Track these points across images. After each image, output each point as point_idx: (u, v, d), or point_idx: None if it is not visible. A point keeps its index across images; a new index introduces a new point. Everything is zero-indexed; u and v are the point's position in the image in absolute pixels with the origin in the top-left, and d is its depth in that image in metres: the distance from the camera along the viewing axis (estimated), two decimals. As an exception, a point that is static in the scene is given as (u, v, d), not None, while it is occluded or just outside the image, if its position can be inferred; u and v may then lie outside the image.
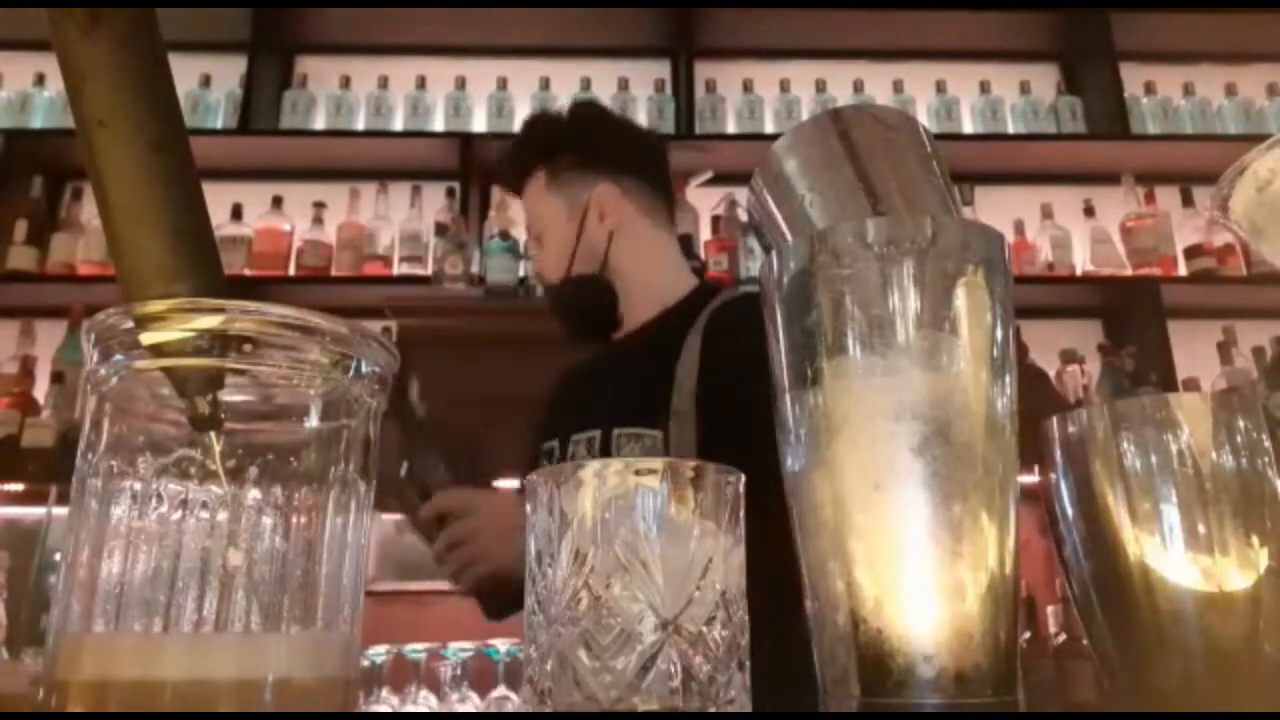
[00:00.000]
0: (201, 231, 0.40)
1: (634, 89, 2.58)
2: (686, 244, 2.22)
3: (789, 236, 0.49)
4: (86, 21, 0.37)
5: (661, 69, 2.64)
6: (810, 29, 2.62)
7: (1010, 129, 2.56)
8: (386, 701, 1.63)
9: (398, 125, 2.52)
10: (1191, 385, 2.22)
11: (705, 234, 2.32)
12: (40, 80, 2.52)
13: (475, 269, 2.25)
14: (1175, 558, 0.43)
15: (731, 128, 2.54)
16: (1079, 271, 2.41)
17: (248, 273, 2.30)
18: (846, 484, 0.40)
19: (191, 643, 0.34)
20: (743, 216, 2.28)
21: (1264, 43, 2.61)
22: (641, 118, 2.53)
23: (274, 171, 2.49)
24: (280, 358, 0.36)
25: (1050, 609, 1.85)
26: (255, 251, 2.33)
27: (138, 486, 0.35)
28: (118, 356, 0.36)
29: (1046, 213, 2.45)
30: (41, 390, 2.18)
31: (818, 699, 0.40)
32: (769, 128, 2.53)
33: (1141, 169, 2.46)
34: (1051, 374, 2.22)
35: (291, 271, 2.34)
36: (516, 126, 2.50)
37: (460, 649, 1.67)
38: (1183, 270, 2.37)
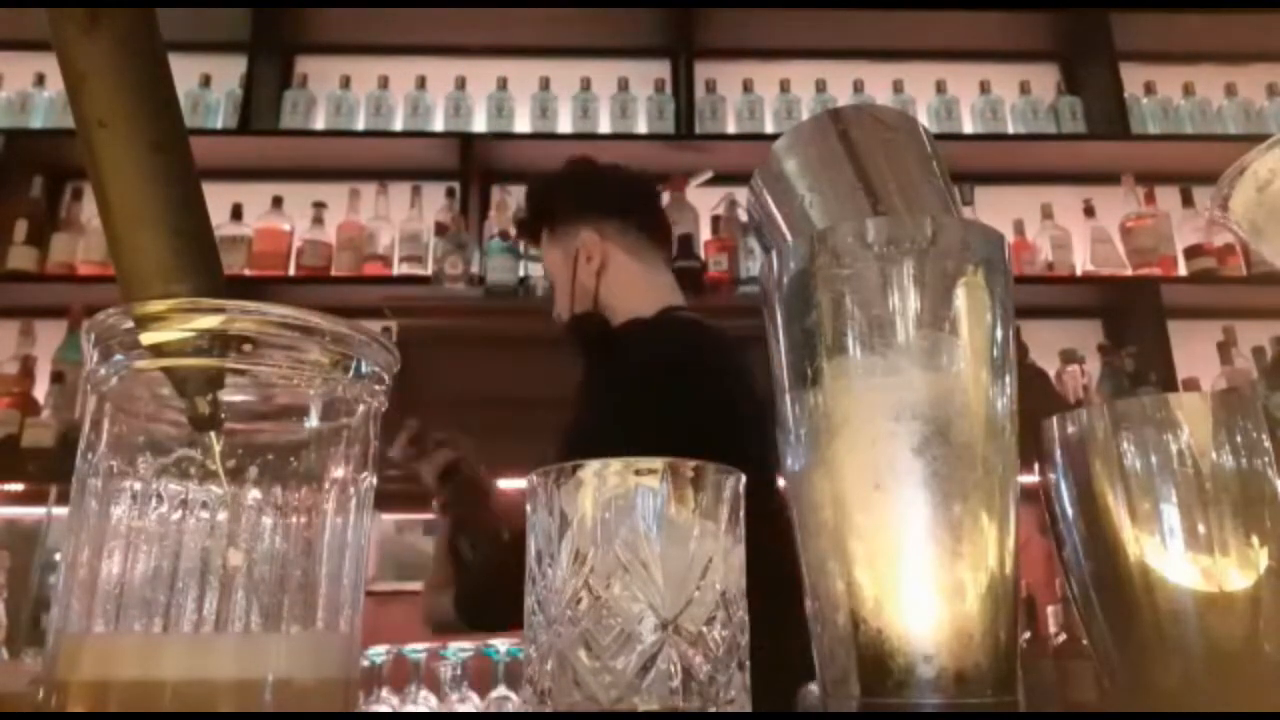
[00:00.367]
0: (201, 231, 0.40)
1: (634, 89, 2.58)
2: (686, 244, 2.22)
3: (789, 236, 0.49)
4: (86, 21, 0.37)
5: (661, 69, 2.64)
6: (810, 29, 2.62)
7: (1010, 129, 2.56)
8: (386, 701, 1.63)
9: (398, 125, 2.52)
10: (1191, 385, 2.22)
11: (705, 234, 2.32)
12: (40, 80, 2.52)
13: (475, 269, 2.25)
14: (1175, 558, 0.43)
15: (731, 128, 2.54)
16: (1079, 271, 2.41)
17: (248, 273, 2.30)
18: (846, 484, 0.40)
19: (191, 643, 0.34)
20: (743, 216, 2.28)
21: (1264, 43, 2.61)
22: (641, 118, 2.54)
23: (274, 171, 2.48)
24: (280, 358, 0.36)
25: (1050, 609, 1.85)
26: (255, 251, 2.32)
27: (138, 486, 0.35)
28: (118, 356, 0.36)
29: (1046, 213, 2.45)
30: (41, 390, 2.18)
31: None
32: (769, 128, 2.53)
33: (1141, 169, 2.46)
34: (1051, 374, 2.21)
35: (291, 271, 2.34)
36: (517, 126, 2.53)
37: (460, 649, 1.67)
38: (1183, 270, 2.37)
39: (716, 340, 1.33)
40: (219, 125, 2.49)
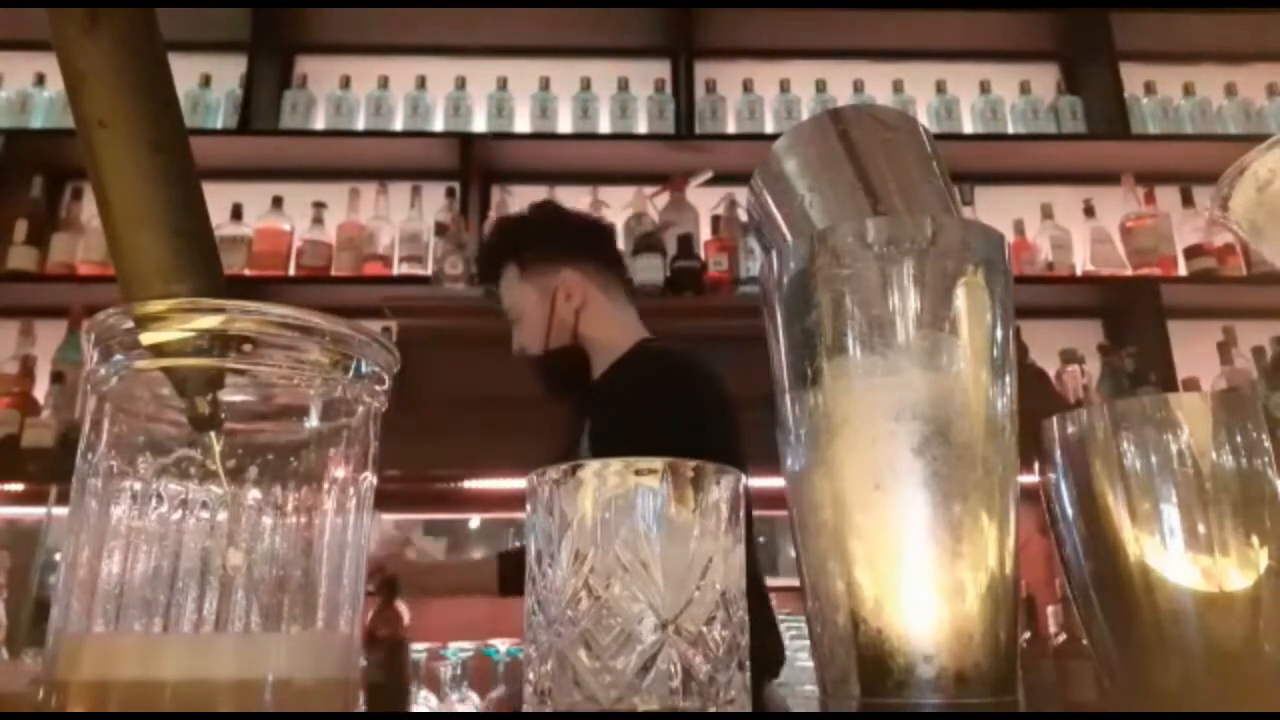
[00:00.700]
0: (201, 231, 0.40)
1: (634, 89, 2.58)
2: (686, 244, 2.22)
3: (789, 236, 0.49)
4: (86, 21, 0.37)
5: (661, 69, 2.64)
6: (810, 29, 2.62)
7: (1010, 129, 2.56)
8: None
9: (398, 125, 2.52)
10: (1191, 385, 2.22)
11: (705, 234, 2.32)
12: (40, 80, 2.52)
13: (475, 269, 2.25)
14: (1175, 558, 0.43)
15: (731, 128, 2.54)
16: (1079, 271, 2.41)
17: (248, 273, 2.30)
18: (846, 484, 0.40)
19: (191, 643, 0.34)
20: (743, 216, 2.28)
21: (1264, 43, 2.61)
22: (641, 118, 2.54)
23: (274, 171, 2.48)
24: (280, 358, 0.36)
25: (1050, 609, 1.85)
26: (255, 251, 2.32)
27: (138, 486, 0.35)
28: (118, 356, 0.36)
29: (1046, 213, 2.45)
30: (41, 390, 2.18)
31: None
32: (769, 128, 2.53)
33: (1141, 169, 2.46)
34: (1051, 374, 2.21)
35: (291, 271, 2.34)
36: (517, 126, 2.53)
37: (460, 649, 1.67)
38: (1183, 270, 2.37)
39: (702, 364, 1.44)
40: (219, 125, 2.49)
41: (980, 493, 0.39)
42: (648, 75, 2.62)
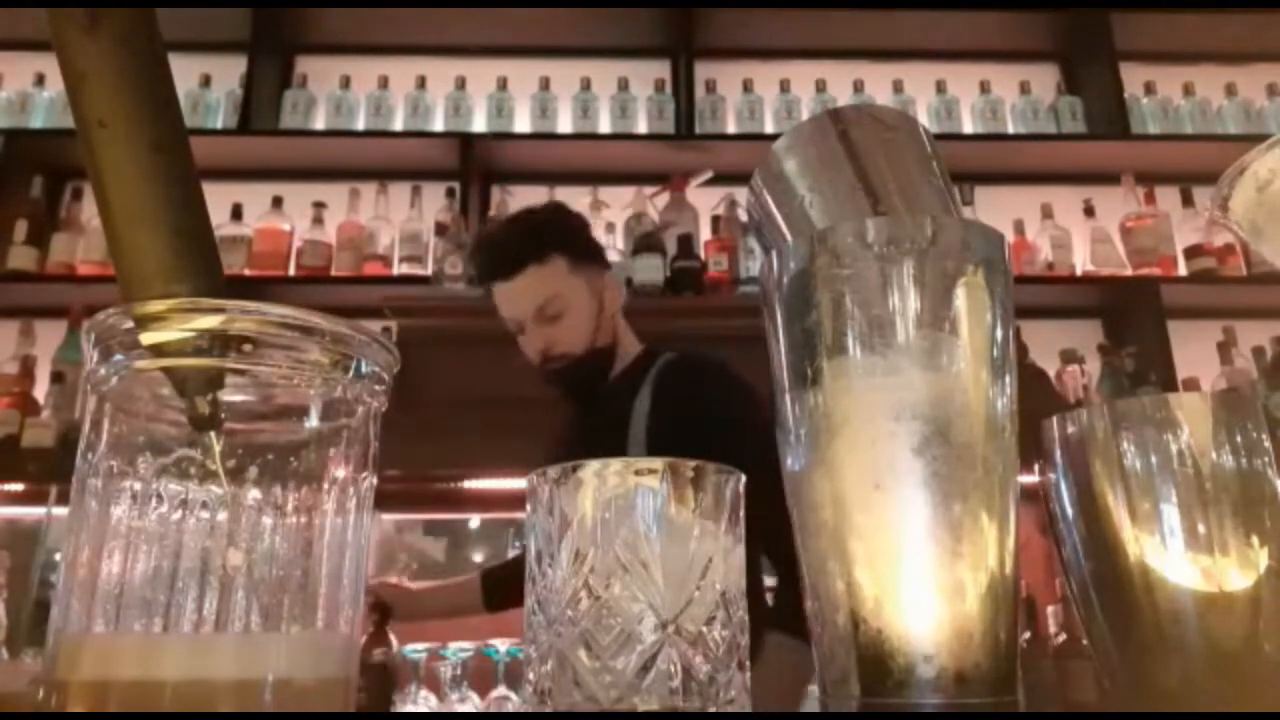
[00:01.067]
0: (201, 231, 0.40)
1: (634, 89, 2.58)
2: (686, 244, 2.22)
3: (789, 236, 0.49)
4: (86, 21, 0.37)
5: (661, 69, 2.64)
6: (810, 29, 2.62)
7: (1010, 129, 2.56)
8: (386, 701, 1.62)
9: (398, 125, 2.52)
10: (1191, 385, 2.22)
11: (705, 234, 2.32)
12: (40, 80, 2.52)
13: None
14: (1175, 558, 0.43)
15: (731, 128, 2.54)
16: (1079, 271, 2.41)
17: (248, 273, 2.30)
18: (846, 484, 0.40)
19: (191, 643, 0.34)
20: (743, 216, 2.28)
21: (1264, 43, 2.61)
22: (641, 118, 2.54)
23: (274, 171, 2.48)
24: (280, 358, 0.36)
25: (1050, 609, 1.85)
26: (255, 251, 2.32)
27: (138, 486, 0.35)
28: (118, 356, 0.36)
29: (1046, 213, 2.45)
30: (41, 390, 2.18)
31: None
32: (769, 128, 2.53)
33: (1141, 169, 2.46)
34: (1051, 374, 2.21)
35: (291, 271, 2.34)
36: (517, 126, 2.53)
37: (460, 649, 1.67)
38: (1183, 270, 2.37)
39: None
40: (219, 125, 2.49)
41: (980, 493, 0.39)
42: (648, 75, 2.62)
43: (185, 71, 2.44)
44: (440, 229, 2.33)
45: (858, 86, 2.57)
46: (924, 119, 2.39)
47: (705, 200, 2.36)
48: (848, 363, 0.40)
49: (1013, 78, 2.62)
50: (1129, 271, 2.38)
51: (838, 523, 0.40)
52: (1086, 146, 2.52)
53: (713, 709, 0.37)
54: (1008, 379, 0.41)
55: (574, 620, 0.37)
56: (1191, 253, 2.37)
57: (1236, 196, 0.40)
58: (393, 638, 1.57)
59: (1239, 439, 0.44)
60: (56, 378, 2.15)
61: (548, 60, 2.62)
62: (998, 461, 0.40)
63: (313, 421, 0.38)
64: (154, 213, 0.38)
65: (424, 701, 1.62)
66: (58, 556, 1.99)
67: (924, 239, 0.40)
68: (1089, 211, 2.44)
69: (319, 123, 2.54)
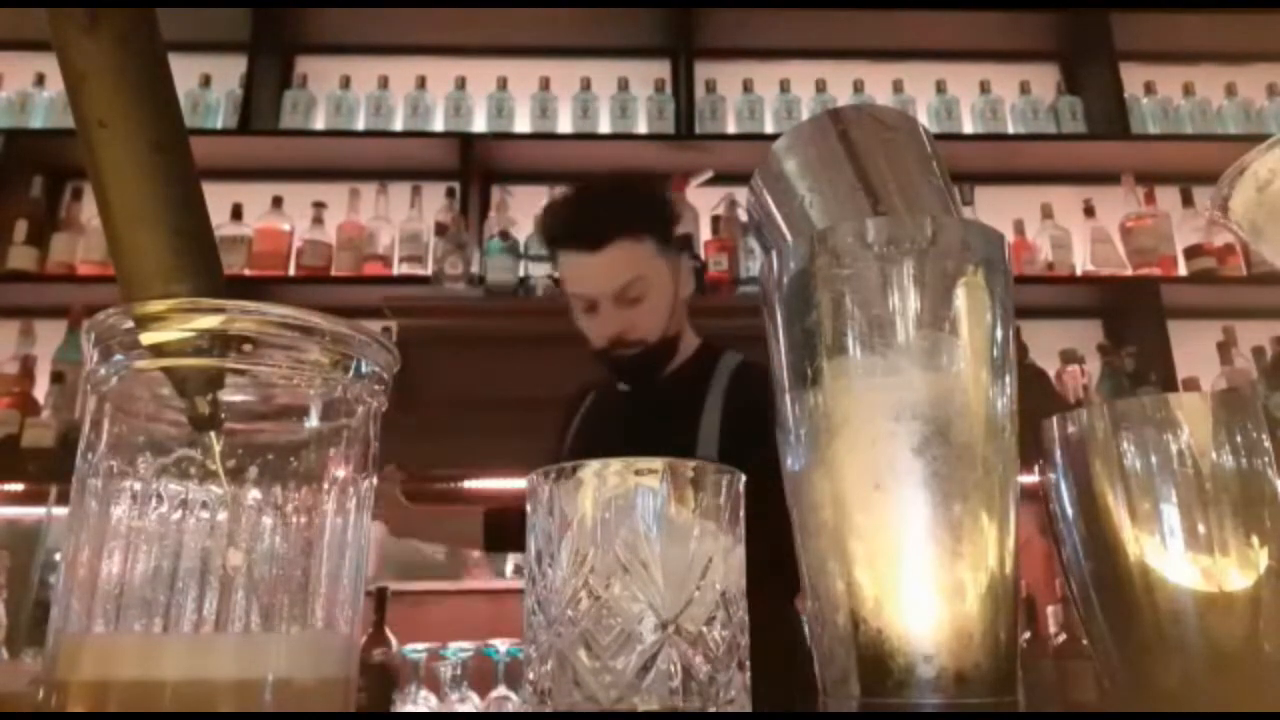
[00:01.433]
0: (201, 231, 0.40)
1: (634, 89, 2.58)
2: (686, 244, 2.22)
3: (789, 236, 0.49)
4: (86, 21, 0.37)
5: (661, 69, 2.64)
6: (810, 29, 2.62)
7: (1010, 129, 2.56)
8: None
9: (398, 125, 2.52)
10: (1191, 385, 2.22)
11: (705, 234, 2.32)
12: (40, 80, 2.52)
13: (475, 269, 2.25)
14: (1175, 558, 0.43)
15: (731, 128, 2.53)
16: (1079, 271, 2.41)
17: (248, 273, 2.30)
18: (846, 484, 0.40)
19: (191, 643, 0.34)
20: (743, 216, 2.28)
21: (1264, 43, 2.61)
22: (641, 118, 2.54)
23: (274, 171, 2.48)
24: (280, 358, 0.36)
25: (1050, 609, 1.85)
26: (255, 251, 2.32)
27: (138, 486, 0.35)
28: (118, 356, 0.36)
29: (1046, 213, 2.45)
30: (41, 390, 2.18)
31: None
32: (769, 128, 2.53)
33: (1141, 169, 2.46)
34: (1051, 374, 2.21)
35: (291, 271, 2.34)
36: (517, 126, 2.53)
37: (460, 649, 1.67)
38: (1183, 270, 2.37)
39: None
40: (219, 125, 2.49)
41: (980, 493, 0.39)
42: (648, 75, 2.62)
43: (185, 71, 2.44)
44: (440, 229, 2.33)
45: (858, 86, 2.57)
46: (924, 119, 2.39)
47: (705, 200, 2.36)
48: (848, 363, 0.40)
49: (1013, 78, 2.62)
50: (1129, 271, 2.38)
51: (838, 523, 0.40)
52: (1086, 146, 2.52)
53: (713, 709, 0.37)
54: (1008, 379, 0.41)
55: (574, 620, 0.37)
56: (1191, 253, 2.37)
57: (1236, 196, 0.40)
58: (393, 638, 1.56)
59: (1239, 439, 0.44)
60: (56, 378, 2.15)
61: (548, 60, 2.62)
62: (998, 461, 0.40)
63: (313, 421, 0.38)
64: (154, 213, 0.38)
65: (424, 701, 1.62)
66: (58, 556, 1.99)
67: (924, 239, 0.40)
68: (1089, 211, 2.44)
69: (319, 123, 2.54)
